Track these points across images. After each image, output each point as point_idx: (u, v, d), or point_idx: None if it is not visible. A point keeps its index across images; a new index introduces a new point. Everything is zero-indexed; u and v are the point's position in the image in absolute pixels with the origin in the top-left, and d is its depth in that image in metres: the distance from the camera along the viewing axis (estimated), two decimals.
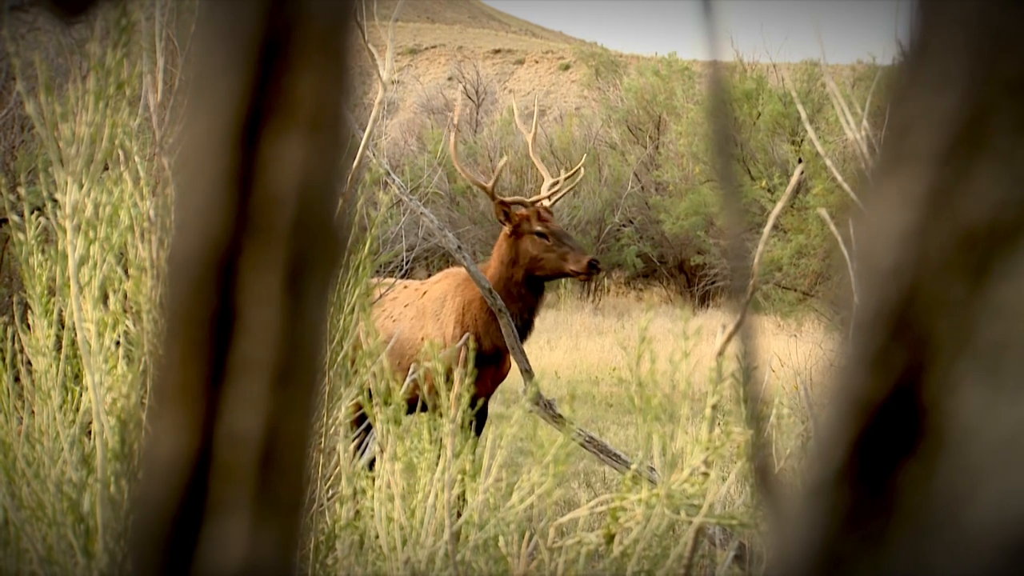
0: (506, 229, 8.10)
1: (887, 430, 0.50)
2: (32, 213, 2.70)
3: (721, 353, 2.71)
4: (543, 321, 20.96)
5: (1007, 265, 0.48)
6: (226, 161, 0.55)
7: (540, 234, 7.99)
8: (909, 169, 0.50)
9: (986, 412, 0.47)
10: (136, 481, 0.56)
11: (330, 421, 2.83)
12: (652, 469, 2.82)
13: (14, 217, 2.70)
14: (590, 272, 8.04)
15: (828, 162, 3.90)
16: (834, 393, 0.51)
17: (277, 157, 0.55)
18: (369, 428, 2.77)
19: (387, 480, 2.68)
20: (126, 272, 2.64)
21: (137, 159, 2.66)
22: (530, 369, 5.16)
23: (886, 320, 0.50)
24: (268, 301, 0.55)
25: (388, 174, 4.48)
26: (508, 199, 8.18)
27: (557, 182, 8.34)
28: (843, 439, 0.51)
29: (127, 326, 2.63)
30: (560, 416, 4.94)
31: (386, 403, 2.66)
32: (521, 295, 7.78)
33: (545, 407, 4.91)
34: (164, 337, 0.56)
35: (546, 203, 8.23)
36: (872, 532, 0.50)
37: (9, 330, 2.79)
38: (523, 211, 8.11)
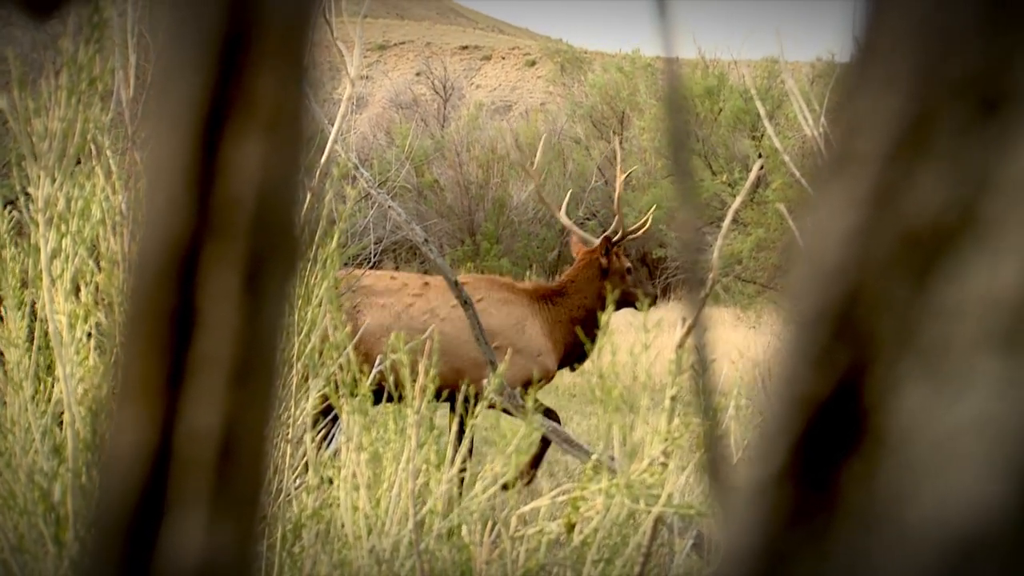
0: (602, 262, 8.89)
1: (829, 428, 0.50)
2: (5, 207, 2.69)
3: (681, 345, 2.71)
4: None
5: (950, 266, 0.48)
6: (187, 160, 0.55)
7: (629, 270, 9.00)
8: (854, 169, 0.50)
9: (927, 412, 0.47)
10: (98, 475, 0.56)
11: (297, 412, 2.83)
12: (613, 459, 2.82)
13: None
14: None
15: (786, 158, 3.91)
16: (777, 391, 0.52)
17: (237, 157, 0.55)
18: (336, 418, 2.78)
19: (353, 470, 2.68)
20: (98, 265, 2.63)
21: (109, 154, 2.66)
22: (495, 360, 5.16)
23: (829, 319, 0.50)
24: (227, 299, 0.55)
25: (356, 168, 4.48)
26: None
27: (637, 228, 9.28)
28: (786, 437, 0.51)
29: (99, 318, 2.63)
30: (523, 406, 4.95)
31: (352, 394, 2.65)
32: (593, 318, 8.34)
33: (509, 397, 4.91)
34: (126, 333, 0.56)
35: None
36: (815, 529, 0.50)
37: None
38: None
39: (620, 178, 9.63)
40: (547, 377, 8.38)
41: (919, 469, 0.47)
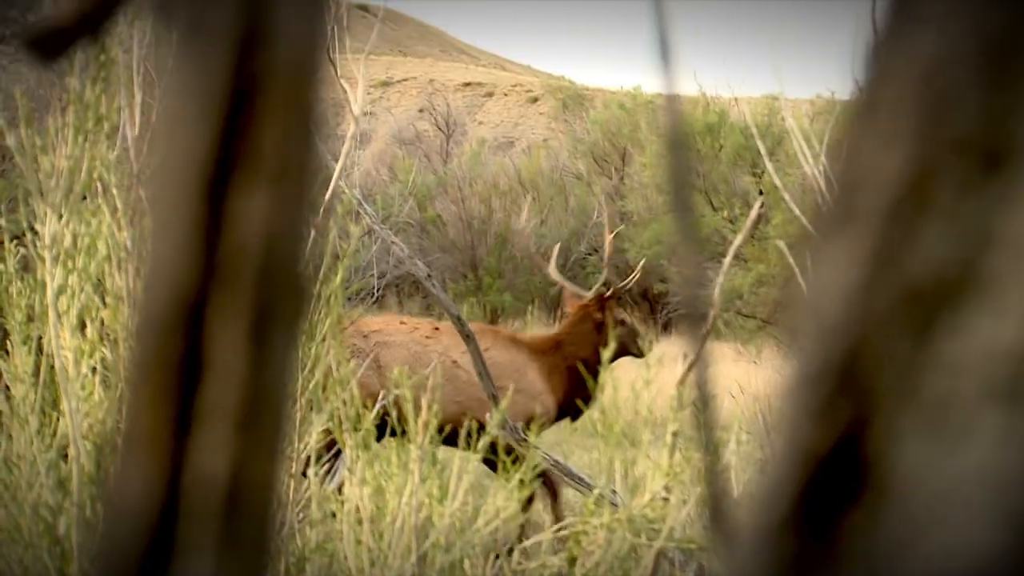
0: (597, 317, 9.19)
1: (831, 480, 0.50)
2: (12, 242, 2.69)
3: (682, 381, 2.71)
4: (509, 330, 20.93)
5: (951, 322, 0.48)
6: (194, 211, 0.55)
7: (622, 322, 9.28)
8: (856, 226, 0.50)
9: (929, 463, 0.47)
10: (106, 521, 0.56)
11: (301, 446, 2.82)
12: (614, 493, 2.82)
13: None
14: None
15: (786, 195, 3.91)
16: (779, 442, 0.52)
17: (243, 208, 0.55)
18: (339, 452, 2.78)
19: (356, 504, 2.68)
20: (104, 301, 2.63)
21: (115, 191, 2.66)
22: (496, 394, 5.15)
23: (831, 374, 0.50)
24: (234, 349, 0.55)
25: (360, 204, 4.48)
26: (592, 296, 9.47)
27: (628, 282, 9.69)
28: (788, 488, 0.51)
29: (104, 353, 2.63)
30: (526, 440, 4.94)
31: (355, 429, 2.65)
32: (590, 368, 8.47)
33: (511, 431, 4.90)
34: (133, 381, 0.56)
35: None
36: None
37: None
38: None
39: (609, 238, 9.89)
40: (548, 418, 8.46)
41: (921, 519, 0.47)
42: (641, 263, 10.13)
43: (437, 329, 8.48)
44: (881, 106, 0.51)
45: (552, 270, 9.83)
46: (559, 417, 8.87)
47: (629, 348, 9.22)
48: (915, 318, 0.48)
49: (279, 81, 0.56)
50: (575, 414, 8.77)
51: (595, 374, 8.28)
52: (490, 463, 4.92)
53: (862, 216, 0.50)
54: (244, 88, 0.56)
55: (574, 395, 8.66)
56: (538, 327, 24.11)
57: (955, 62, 0.49)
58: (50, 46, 0.73)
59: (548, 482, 7.78)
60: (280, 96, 0.56)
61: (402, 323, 8.53)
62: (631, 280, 9.94)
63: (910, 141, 0.49)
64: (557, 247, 9.73)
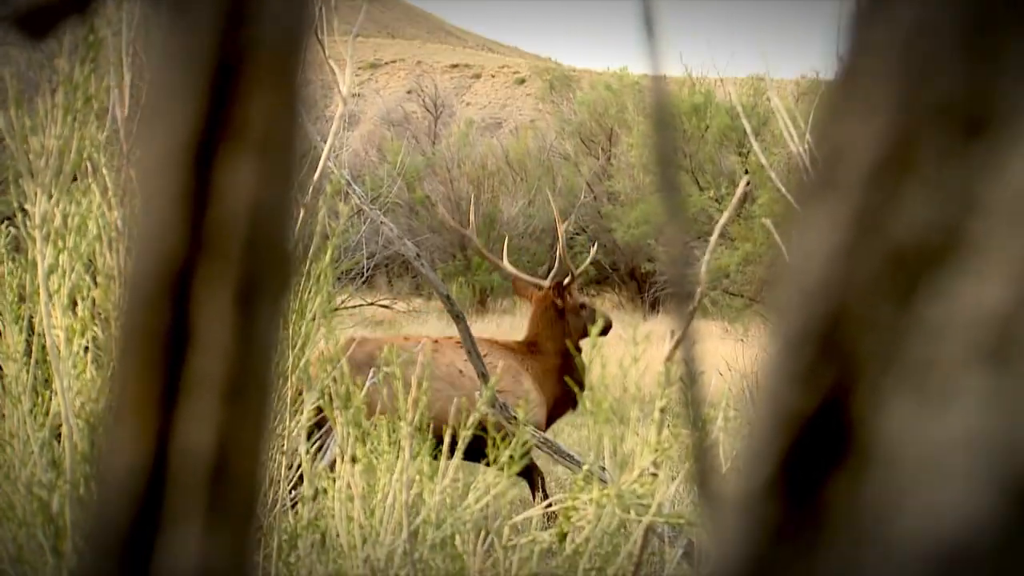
0: (558, 304, 9.34)
1: (815, 444, 0.50)
2: (2, 223, 2.69)
3: (670, 358, 2.71)
4: (499, 326, 20.98)
5: (934, 286, 0.48)
6: (180, 183, 0.55)
7: (582, 306, 9.37)
8: (838, 191, 0.50)
9: (913, 427, 0.47)
10: (94, 491, 0.55)
11: (292, 424, 2.82)
12: (603, 469, 2.82)
13: None
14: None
15: (772, 174, 3.91)
16: (762, 407, 0.51)
17: (229, 179, 0.55)
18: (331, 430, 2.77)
19: (347, 481, 2.68)
20: (94, 280, 2.63)
21: (105, 171, 2.65)
22: (486, 373, 5.16)
23: (814, 338, 0.50)
24: (220, 319, 0.55)
25: (349, 184, 4.47)
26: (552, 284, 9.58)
27: (582, 271, 9.68)
28: (771, 453, 0.51)
29: (95, 332, 2.62)
30: (515, 418, 4.94)
31: (346, 407, 2.65)
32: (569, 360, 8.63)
33: (500, 409, 4.91)
34: (120, 352, 0.56)
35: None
36: (802, 543, 0.50)
37: None
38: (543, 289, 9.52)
39: (561, 228, 9.94)
40: (540, 423, 8.51)
41: (905, 483, 0.47)
42: (588, 261, 10.20)
43: (437, 342, 8.60)
44: (862, 74, 0.51)
45: (505, 263, 9.94)
46: (548, 424, 8.94)
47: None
48: (898, 282, 0.48)
49: (265, 54, 0.56)
50: (574, 403, 8.83)
51: (571, 363, 8.37)
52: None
53: (844, 182, 0.50)
54: (230, 61, 0.56)
55: (562, 401, 8.84)
56: (527, 307, 24.13)
57: (936, 29, 0.49)
58: (37, 25, 0.73)
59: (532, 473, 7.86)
60: (266, 69, 0.56)
61: (406, 339, 8.62)
62: (583, 268, 9.83)
63: (892, 108, 0.49)
64: (507, 239, 9.77)
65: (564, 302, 9.28)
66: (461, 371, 8.33)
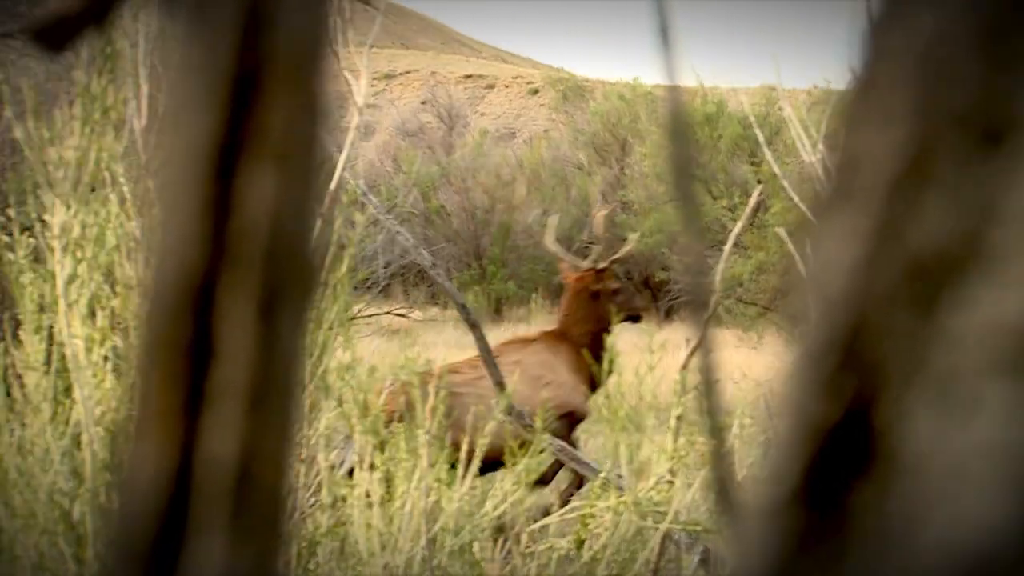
0: (593, 288, 9.41)
1: (839, 454, 0.50)
2: (22, 233, 2.69)
3: (685, 366, 2.71)
4: (515, 334, 20.96)
5: (955, 295, 0.48)
6: (201, 193, 0.55)
7: (616, 291, 9.44)
8: (858, 202, 0.50)
9: (937, 437, 0.47)
10: (118, 502, 0.55)
11: (311, 432, 2.82)
12: (620, 477, 2.82)
13: (4, 237, 2.69)
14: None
15: (785, 183, 3.91)
16: (786, 417, 0.51)
17: (250, 188, 0.55)
18: None
19: (366, 489, 2.68)
20: (113, 290, 2.63)
21: (122, 181, 2.66)
22: (502, 381, 5.15)
23: (836, 348, 0.50)
24: (243, 328, 0.55)
25: (365, 195, 4.47)
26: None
27: (621, 255, 9.80)
28: (796, 462, 0.51)
29: (115, 341, 2.63)
30: (531, 426, 4.94)
31: (363, 416, 2.65)
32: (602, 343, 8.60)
33: (517, 417, 4.90)
34: (143, 363, 0.55)
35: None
36: (827, 553, 0.50)
37: (1, 345, 2.78)
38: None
39: (601, 213, 9.97)
40: (584, 416, 8.49)
41: (929, 493, 0.47)
42: (635, 236, 10.16)
43: (476, 364, 8.69)
44: (880, 83, 0.51)
45: (549, 241, 9.75)
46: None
47: (631, 309, 9.50)
48: (919, 292, 0.48)
49: (283, 63, 0.56)
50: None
51: (602, 344, 8.37)
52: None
53: (864, 191, 0.50)
54: (248, 71, 0.55)
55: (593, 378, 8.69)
56: (541, 315, 24.12)
57: (954, 38, 0.49)
58: (55, 37, 0.73)
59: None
60: (284, 78, 0.56)
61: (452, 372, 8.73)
62: (624, 251, 9.74)
63: (910, 117, 0.49)
64: (556, 217, 9.70)
65: (600, 286, 9.28)
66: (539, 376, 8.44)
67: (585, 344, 8.59)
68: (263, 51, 0.56)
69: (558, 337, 9.08)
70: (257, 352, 0.55)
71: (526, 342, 9.08)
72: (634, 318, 9.44)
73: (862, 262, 0.50)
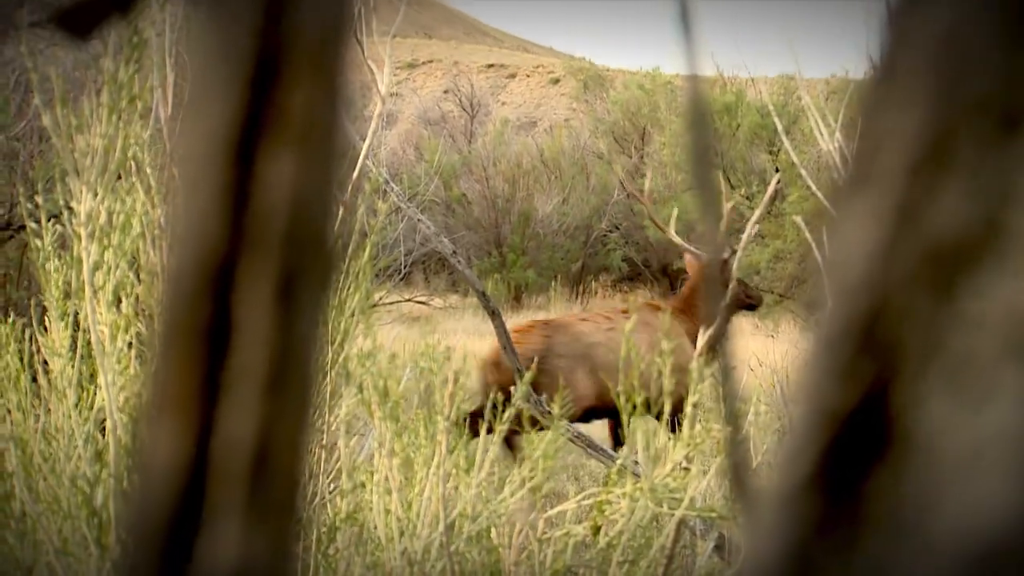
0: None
1: (856, 439, 0.49)
2: (49, 220, 2.70)
3: (702, 353, 2.71)
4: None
5: (973, 279, 0.47)
6: (222, 176, 0.55)
7: (739, 281, 9.91)
8: (877, 186, 0.50)
9: (952, 423, 0.46)
10: (135, 485, 0.55)
11: (332, 419, 2.83)
12: (636, 463, 2.82)
13: (32, 224, 2.70)
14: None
15: (803, 171, 3.90)
16: (802, 403, 0.51)
17: (270, 172, 0.55)
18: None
19: (385, 475, 2.68)
20: (138, 277, 2.64)
21: (149, 169, 2.66)
22: (521, 368, 5.15)
23: (854, 333, 0.49)
24: (262, 311, 0.55)
25: (387, 183, 4.48)
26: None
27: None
28: (812, 448, 0.50)
29: (139, 328, 2.63)
30: (549, 412, 4.94)
31: (383, 402, 2.65)
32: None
33: (535, 404, 4.90)
34: (162, 346, 0.55)
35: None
36: (841, 538, 0.49)
37: (27, 332, 2.79)
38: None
39: (725, 206, 10.23)
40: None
41: (945, 479, 0.46)
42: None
43: (609, 318, 9.00)
44: (900, 69, 0.50)
45: (671, 233, 9.89)
46: None
47: (748, 298, 9.88)
48: (937, 276, 0.48)
49: (304, 47, 0.56)
50: None
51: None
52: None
53: (883, 175, 0.49)
54: (270, 55, 0.55)
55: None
56: (560, 302, 24.12)
57: (974, 24, 0.48)
58: (80, 24, 0.73)
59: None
60: (306, 62, 0.56)
61: (584, 320, 9.04)
62: (745, 242, 10.02)
63: (930, 102, 0.49)
64: (675, 211, 9.95)
65: (726, 274, 9.37)
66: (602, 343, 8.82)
67: (704, 322, 8.93)
68: (284, 35, 0.56)
69: (682, 309, 9.42)
70: (275, 337, 0.55)
71: (656, 308, 9.38)
72: (750, 306, 9.90)
73: (880, 246, 0.49)
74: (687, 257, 9.93)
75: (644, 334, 8.45)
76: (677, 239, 9.77)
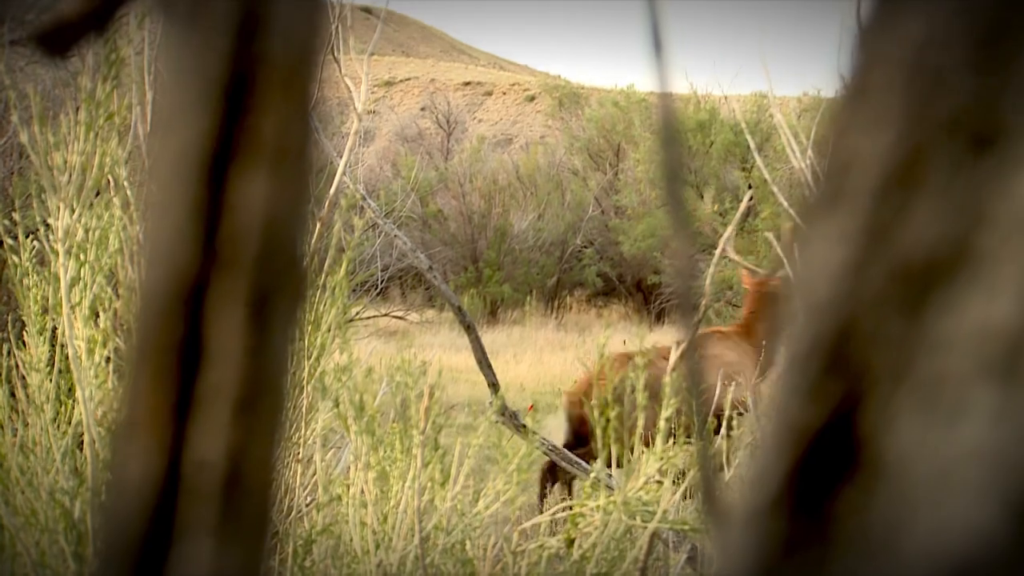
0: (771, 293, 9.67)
1: (824, 457, 0.49)
2: (27, 237, 2.69)
3: (675, 368, 2.71)
4: (509, 336, 21.02)
5: (944, 299, 0.47)
6: (194, 195, 0.54)
7: None
8: (847, 205, 0.49)
9: (923, 441, 0.46)
10: (107, 502, 0.55)
11: (308, 432, 2.82)
12: (610, 476, 2.82)
13: (9, 240, 2.69)
14: None
15: (775, 188, 3.91)
16: (771, 421, 0.51)
17: (243, 192, 0.54)
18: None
19: (361, 488, 2.68)
20: (116, 292, 2.63)
21: (126, 186, 2.66)
22: (496, 382, 5.15)
23: (822, 352, 0.49)
24: (233, 331, 0.54)
25: (364, 199, 4.47)
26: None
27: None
28: (780, 467, 0.50)
29: (116, 343, 2.63)
30: (524, 426, 4.93)
31: (360, 415, 2.65)
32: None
33: (510, 418, 4.90)
34: (134, 364, 0.55)
35: None
36: (811, 558, 0.49)
37: (5, 347, 2.79)
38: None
39: (786, 227, 10.44)
40: None
41: (914, 498, 0.46)
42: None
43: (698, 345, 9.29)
44: (871, 89, 0.50)
45: (730, 250, 9.93)
46: None
47: None
48: (907, 296, 0.47)
49: (277, 65, 0.55)
50: None
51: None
52: None
53: (853, 195, 0.49)
54: (243, 74, 0.55)
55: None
56: (535, 317, 24.14)
57: (944, 44, 0.48)
58: (57, 41, 0.73)
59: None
60: (278, 82, 0.55)
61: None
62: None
63: (900, 122, 0.49)
64: (731, 226, 9.93)
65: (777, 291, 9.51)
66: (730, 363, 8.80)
67: (766, 338, 9.03)
68: (257, 54, 0.55)
69: (745, 333, 9.47)
70: (247, 355, 0.55)
71: (723, 335, 9.47)
72: None
73: (849, 266, 0.49)
74: (744, 275, 10.04)
75: (714, 366, 8.54)
76: (735, 256, 9.92)
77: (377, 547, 2.67)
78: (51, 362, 2.72)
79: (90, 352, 2.61)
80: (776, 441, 0.50)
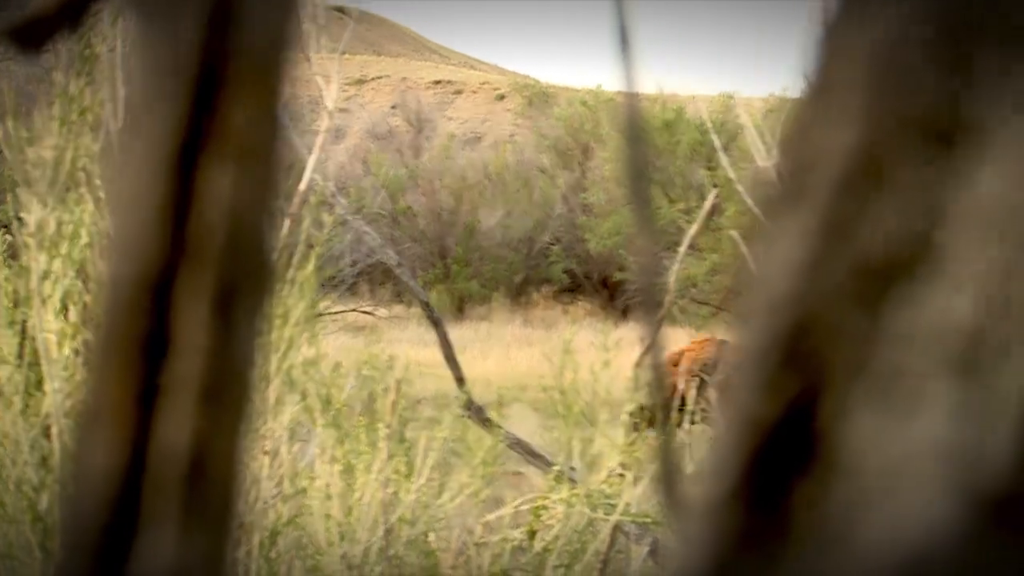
0: None
1: (780, 452, 0.49)
2: None
3: (638, 364, 2.72)
4: (476, 332, 21.03)
5: (902, 296, 0.47)
6: (161, 189, 0.54)
7: None
8: (806, 201, 0.49)
9: (880, 435, 0.46)
10: (70, 493, 0.55)
11: (275, 425, 2.82)
12: (573, 470, 2.83)
13: None
14: None
15: (740, 187, 3.92)
16: (728, 415, 0.51)
17: (210, 185, 0.54)
18: None
19: (326, 481, 2.67)
20: (86, 285, 2.63)
21: (98, 181, 2.65)
22: (462, 377, 5.15)
23: (780, 347, 0.49)
24: (199, 324, 0.54)
25: (334, 196, 4.47)
26: None
27: None
28: (736, 460, 0.50)
29: (86, 336, 2.62)
30: (490, 420, 4.94)
31: (326, 409, 2.65)
32: None
33: (475, 412, 4.90)
34: (99, 356, 0.55)
35: None
36: (766, 551, 0.49)
37: None
38: None
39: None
40: None
41: (871, 491, 0.46)
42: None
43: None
44: (833, 86, 0.50)
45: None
46: None
47: None
48: (866, 292, 0.47)
49: (247, 62, 0.55)
50: None
51: None
52: None
53: (813, 192, 0.49)
54: (213, 67, 0.55)
55: None
56: (502, 313, 24.15)
57: (908, 42, 0.48)
58: (30, 37, 0.72)
59: None
60: (249, 76, 0.55)
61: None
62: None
63: (862, 119, 0.49)
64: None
65: None
66: None
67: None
68: (226, 49, 0.55)
69: None
70: (212, 348, 0.55)
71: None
72: None
73: (810, 261, 0.49)
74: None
75: None
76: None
77: (342, 539, 2.67)
78: (20, 354, 2.71)
79: (59, 345, 2.60)
80: (733, 434, 0.50)
